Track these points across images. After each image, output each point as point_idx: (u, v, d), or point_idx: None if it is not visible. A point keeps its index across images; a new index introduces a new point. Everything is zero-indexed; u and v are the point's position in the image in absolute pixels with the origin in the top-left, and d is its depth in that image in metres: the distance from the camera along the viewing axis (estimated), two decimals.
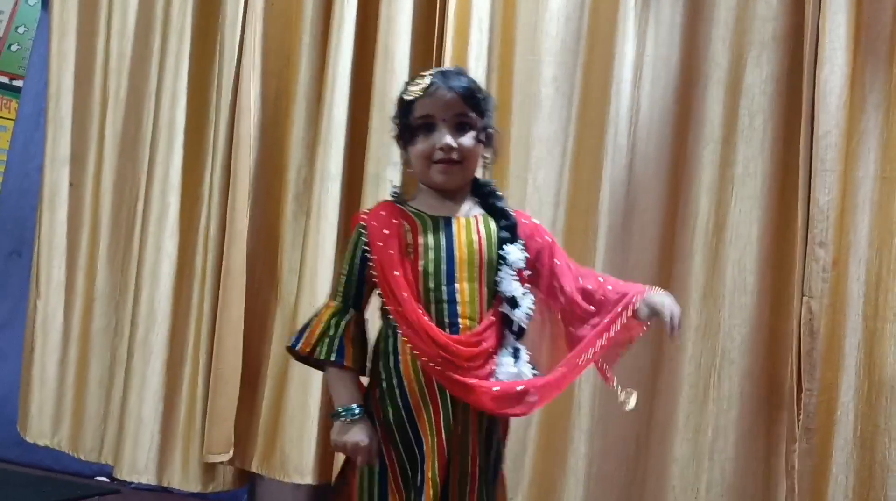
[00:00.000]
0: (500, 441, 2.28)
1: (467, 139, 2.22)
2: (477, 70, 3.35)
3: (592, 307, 2.28)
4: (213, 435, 3.58)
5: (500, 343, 2.21)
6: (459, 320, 2.17)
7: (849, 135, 3.00)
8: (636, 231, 3.19)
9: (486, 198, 2.32)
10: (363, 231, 2.23)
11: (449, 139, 2.19)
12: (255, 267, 3.63)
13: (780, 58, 3.08)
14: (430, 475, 2.14)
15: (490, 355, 2.19)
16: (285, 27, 3.69)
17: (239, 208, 3.59)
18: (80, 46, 4.07)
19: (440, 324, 2.17)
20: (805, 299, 2.97)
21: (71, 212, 4.04)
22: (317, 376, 3.48)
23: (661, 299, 2.27)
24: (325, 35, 3.60)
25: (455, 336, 2.15)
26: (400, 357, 2.19)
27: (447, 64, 3.36)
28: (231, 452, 3.58)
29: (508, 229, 2.26)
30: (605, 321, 2.25)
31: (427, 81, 2.24)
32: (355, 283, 2.24)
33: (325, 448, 3.46)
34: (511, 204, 2.37)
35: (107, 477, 4.14)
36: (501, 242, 2.24)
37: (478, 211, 2.29)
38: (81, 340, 3.97)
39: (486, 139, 2.29)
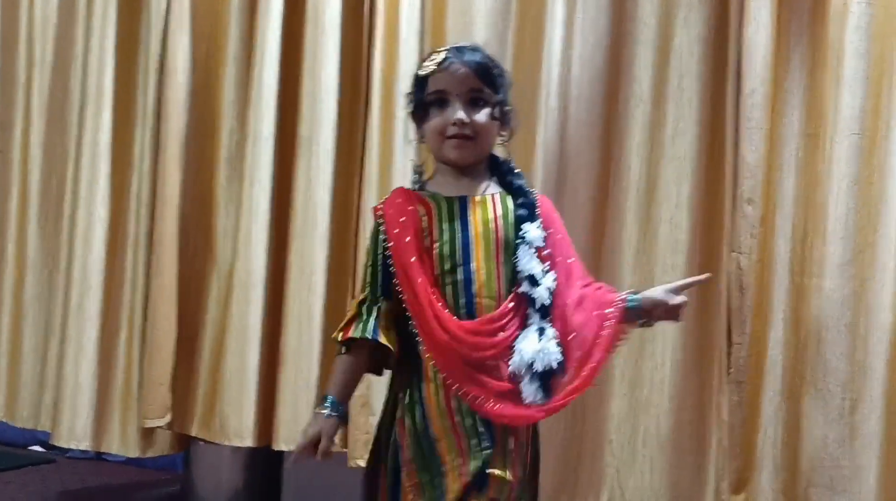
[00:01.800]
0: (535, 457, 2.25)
1: (481, 115, 2.16)
2: (409, 32, 3.34)
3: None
4: (148, 400, 3.59)
5: (522, 327, 2.12)
6: (475, 299, 2.12)
7: (774, 93, 3.06)
8: (570, 192, 3.21)
9: (505, 176, 2.25)
10: (381, 221, 2.19)
11: (461, 114, 2.14)
12: (189, 232, 3.61)
13: (706, 18, 3.12)
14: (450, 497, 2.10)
15: (508, 351, 2.10)
16: None
17: (170, 172, 3.57)
18: (2, 12, 3.99)
19: (456, 305, 2.11)
20: (734, 255, 3.04)
21: None
22: (253, 340, 3.51)
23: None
24: None
25: (467, 323, 2.10)
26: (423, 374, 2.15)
27: (379, 25, 3.35)
28: (168, 417, 3.58)
29: (527, 206, 2.19)
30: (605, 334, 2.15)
31: (441, 56, 2.18)
32: (381, 273, 2.17)
33: (264, 411, 3.48)
34: None
35: (41, 446, 4.12)
36: (519, 220, 2.17)
37: (495, 189, 2.22)
38: (14, 308, 3.94)
39: (502, 116, 2.22)
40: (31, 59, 3.94)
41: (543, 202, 2.26)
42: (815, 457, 2.96)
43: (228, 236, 3.58)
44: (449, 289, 2.13)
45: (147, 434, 3.69)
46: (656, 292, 2.17)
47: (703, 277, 2.28)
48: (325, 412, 2.14)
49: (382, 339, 2.13)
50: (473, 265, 2.13)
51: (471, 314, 2.12)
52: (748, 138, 3.02)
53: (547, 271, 2.15)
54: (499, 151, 2.26)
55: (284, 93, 3.52)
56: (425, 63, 2.21)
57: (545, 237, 2.17)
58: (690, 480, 3.08)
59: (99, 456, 3.83)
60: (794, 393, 3.02)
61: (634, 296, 2.16)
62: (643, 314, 2.17)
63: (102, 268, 3.72)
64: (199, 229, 3.63)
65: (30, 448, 4.19)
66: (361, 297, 2.20)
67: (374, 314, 2.15)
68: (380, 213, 2.20)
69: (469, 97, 2.16)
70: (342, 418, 2.18)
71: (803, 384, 2.99)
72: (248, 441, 3.50)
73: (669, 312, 2.15)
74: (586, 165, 3.22)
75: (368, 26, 3.42)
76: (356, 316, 2.17)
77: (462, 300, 2.12)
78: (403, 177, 3.29)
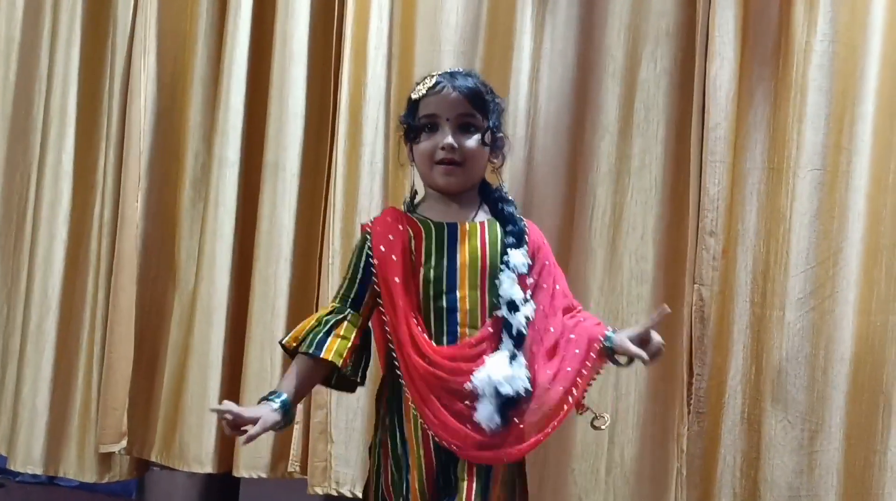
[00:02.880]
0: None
1: (471, 141, 2.17)
2: (377, 59, 3.35)
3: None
4: (105, 425, 3.54)
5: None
6: (458, 329, 2.12)
7: (737, 127, 3.10)
8: (535, 221, 3.16)
9: (495, 203, 2.26)
10: (368, 236, 2.19)
11: (450, 139, 2.15)
12: (151, 254, 3.58)
13: (673, 52, 3.15)
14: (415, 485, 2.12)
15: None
16: (180, 10, 3.63)
17: (133, 193, 3.54)
18: None
19: (438, 333, 2.11)
20: (696, 286, 3.07)
21: None
22: (215, 364, 3.48)
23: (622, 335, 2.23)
24: (221, 19, 3.56)
25: (445, 348, 2.10)
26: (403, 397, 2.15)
27: (347, 51, 3.36)
28: (124, 441, 3.54)
29: (515, 234, 2.20)
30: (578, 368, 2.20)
31: (434, 80, 2.20)
32: (356, 286, 2.18)
33: (225, 437, 3.44)
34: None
35: None
36: (506, 247, 2.17)
37: (484, 216, 2.23)
38: None
39: (493, 142, 2.23)
40: None
41: (532, 230, 2.27)
42: (774, 487, 2.99)
43: (192, 258, 3.56)
44: (433, 316, 2.12)
45: (105, 459, 3.64)
46: (627, 341, 2.19)
47: (663, 310, 2.26)
48: (274, 406, 2.11)
49: (327, 354, 2.11)
50: (458, 294, 2.13)
51: (453, 344, 2.12)
52: (711, 171, 3.06)
53: (527, 301, 2.14)
54: (491, 178, 2.27)
55: (251, 117, 3.51)
56: (418, 87, 2.22)
57: (530, 265, 2.18)
58: None
59: (51, 481, 3.78)
60: (753, 423, 3.04)
61: (611, 335, 2.20)
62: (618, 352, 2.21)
63: (62, 289, 3.68)
64: (162, 251, 3.60)
65: None
66: (330, 307, 2.20)
67: (331, 324, 2.15)
68: (368, 229, 2.20)
69: (459, 122, 2.17)
70: (286, 420, 2.15)
71: (763, 415, 3.02)
72: (207, 468, 3.47)
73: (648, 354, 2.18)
74: (552, 194, 3.24)
75: (336, 52, 3.42)
76: (314, 326, 2.17)
77: (445, 329, 2.12)
78: (369, 202, 3.31)
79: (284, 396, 2.13)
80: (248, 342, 3.44)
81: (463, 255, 2.15)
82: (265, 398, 2.14)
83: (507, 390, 2.06)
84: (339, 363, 2.14)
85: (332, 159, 3.38)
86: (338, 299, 2.21)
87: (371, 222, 2.23)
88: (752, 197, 3.10)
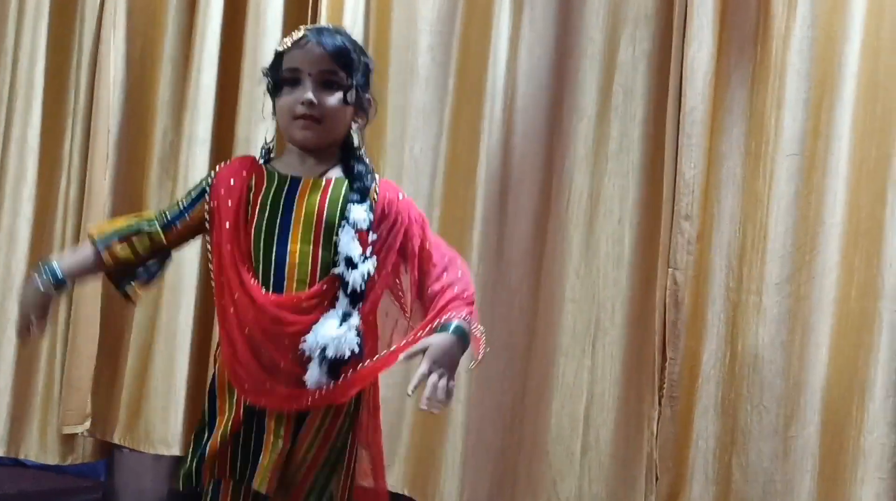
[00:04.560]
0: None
1: (332, 98, 2.13)
2: (353, 36, 3.30)
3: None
4: (68, 406, 3.51)
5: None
6: (285, 282, 2.08)
7: (714, 111, 3.08)
8: (512, 202, 3.22)
9: (348, 161, 2.22)
10: (212, 175, 2.18)
11: (310, 94, 2.10)
12: None
13: (651, 35, 3.13)
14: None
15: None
16: None
17: (100, 171, 3.50)
18: None
19: (265, 284, 2.08)
20: (671, 270, 3.05)
21: None
22: (183, 345, 3.44)
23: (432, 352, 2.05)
24: None
25: (273, 296, 2.07)
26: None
27: None
28: (87, 423, 3.51)
29: (359, 190, 2.15)
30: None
31: (300, 34, 2.16)
32: (178, 211, 2.18)
33: (192, 419, 3.40)
34: (388, 174, 2.30)
35: None
36: (348, 203, 2.14)
37: (336, 174, 2.19)
38: None
39: (356, 102, 2.20)
40: None
41: (388, 189, 2.22)
42: (748, 471, 2.98)
43: None
44: (261, 267, 2.10)
45: (67, 441, 3.60)
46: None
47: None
48: (42, 279, 2.11)
49: (107, 256, 2.13)
50: (290, 247, 2.10)
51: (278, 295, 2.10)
52: (687, 155, 3.04)
53: (367, 258, 2.11)
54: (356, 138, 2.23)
55: (222, 93, 3.47)
56: (284, 40, 2.19)
57: (371, 221, 2.13)
58: (626, 492, 3.09)
59: (16, 461, 3.71)
60: (728, 408, 3.03)
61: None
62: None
63: (26, 268, 3.62)
64: None
65: None
66: (146, 215, 2.21)
67: (130, 231, 2.15)
68: (214, 172, 2.19)
69: (322, 79, 2.13)
70: (59, 286, 2.13)
71: (738, 400, 3.01)
72: (174, 450, 3.43)
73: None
74: (529, 176, 3.23)
75: None
76: (121, 227, 2.16)
77: (272, 280, 2.09)
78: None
79: (55, 264, 2.13)
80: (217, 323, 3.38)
81: (300, 209, 2.12)
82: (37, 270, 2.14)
83: (331, 351, 2.04)
84: (110, 265, 2.15)
85: None
86: (157, 213, 2.21)
87: (222, 164, 2.22)
88: (729, 181, 3.08)
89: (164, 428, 3.42)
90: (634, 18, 3.14)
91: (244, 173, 2.15)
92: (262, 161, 2.21)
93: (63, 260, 2.16)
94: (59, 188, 3.64)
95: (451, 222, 3.21)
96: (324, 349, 2.04)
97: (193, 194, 2.19)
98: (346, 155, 2.22)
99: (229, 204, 2.11)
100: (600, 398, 3.11)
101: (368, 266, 2.10)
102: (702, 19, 3.05)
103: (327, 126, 2.15)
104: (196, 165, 3.44)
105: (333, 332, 2.04)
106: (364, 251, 2.10)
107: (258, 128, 3.37)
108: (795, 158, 2.98)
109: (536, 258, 3.21)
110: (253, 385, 2.08)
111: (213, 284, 2.14)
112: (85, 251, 2.18)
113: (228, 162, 2.23)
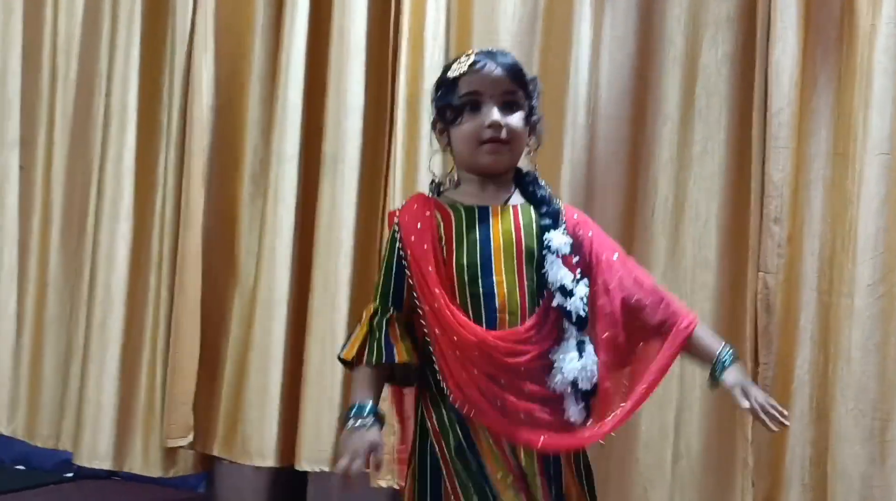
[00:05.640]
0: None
1: (515, 119, 2.06)
2: (434, 49, 3.36)
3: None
4: (171, 420, 3.57)
5: (557, 341, 2.03)
6: (497, 314, 2.00)
7: (801, 113, 3.04)
8: (597, 211, 3.18)
9: (528, 187, 2.14)
10: (397, 228, 2.08)
11: (497, 116, 2.03)
12: (213, 250, 3.61)
13: (734, 37, 3.12)
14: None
15: (545, 365, 2.01)
16: (238, 7, 3.66)
17: (194, 190, 3.57)
18: (26, 27, 4.01)
19: (477, 319, 2.00)
20: (761, 274, 3.02)
21: (22, 196, 4.00)
22: (277, 358, 3.50)
23: (735, 378, 2.17)
24: (278, 15, 3.59)
25: (494, 332, 1.99)
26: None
27: (404, 43, 3.36)
28: (190, 436, 3.57)
29: (551, 215, 2.08)
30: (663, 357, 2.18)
31: (472, 58, 2.09)
32: (393, 282, 2.06)
33: (287, 431, 3.47)
34: None
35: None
36: (543, 230, 2.06)
37: (518, 200, 2.12)
38: (36, 326, 3.94)
39: (532, 123, 2.14)
40: (55, 75, 3.95)
41: (570, 210, 2.17)
42: (845, 477, 2.92)
43: (252, 254, 3.59)
44: (469, 302, 2.03)
45: (170, 454, 3.68)
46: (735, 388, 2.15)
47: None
48: (367, 421, 2.00)
49: (401, 357, 2.02)
50: (495, 279, 2.03)
51: (493, 330, 2.01)
52: (775, 157, 3.00)
53: (579, 280, 2.06)
54: (522, 163, 2.18)
55: (309, 111, 3.53)
56: (454, 65, 2.11)
57: (572, 244, 2.08)
58: (719, 499, 3.06)
59: (110, 476, 3.83)
60: (822, 413, 2.99)
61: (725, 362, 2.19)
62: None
63: (125, 286, 3.72)
64: (223, 247, 3.63)
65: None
66: (373, 309, 2.08)
67: (385, 329, 2.03)
68: (396, 220, 2.11)
69: (503, 100, 2.07)
70: (381, 421, 2.03)
71: (833, 404, 2.96)
72: (269, 461, 3.49)
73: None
74: (614, 182, 3.23)
75: (393, 45, 3.43)
76: (368, 334, 2.05)
77: (483, 314, 2.02)
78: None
79: (370, 403, 2.03)
80: (309, 336, 3.45)
81: (496, 239, 2.05)
82: (351, 416, 2.03)
83: (583, 384, 2.01)
84: (415, 361, 2.05)
85: (391, 152, 3.39)
86: (377, 299, 2.09)
87: (398, 210, 2.14)
88: (818, 183, 3.04)
89: (260, 440, 3.48)
90: (716, 21, 3.13)
91: (427, 213, 2.07)
92: (434, 195, 2.14)
93: (367, 398, 2.03)
94: (155, 208, 3.72)
95: None
96: (574, 384, 2.01)
97: (391, 257, 2.08)
98: (522, 179, 2.16)
99: (425, 247, 2.03)
100: (690, 406, 3.09)
101: (582, 290, 2.05)
102: (785, 20, 3.01)
103: (514, 148, 2.09)
104: (285, 183, 3.50)
105: (577, 364, 2.01)
106: (575, 276, 2.05)
107: (344, 144, 3.44)
108: (885, 158, 2.92)
109: None
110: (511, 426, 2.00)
111: (425, 330, 2.04)
112: (371, 377, 2.05)
113: (402, 206, 2.14)
